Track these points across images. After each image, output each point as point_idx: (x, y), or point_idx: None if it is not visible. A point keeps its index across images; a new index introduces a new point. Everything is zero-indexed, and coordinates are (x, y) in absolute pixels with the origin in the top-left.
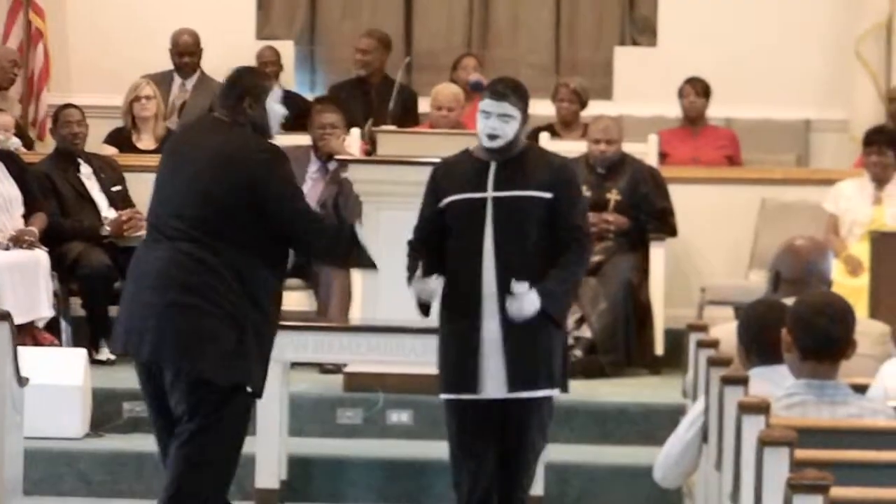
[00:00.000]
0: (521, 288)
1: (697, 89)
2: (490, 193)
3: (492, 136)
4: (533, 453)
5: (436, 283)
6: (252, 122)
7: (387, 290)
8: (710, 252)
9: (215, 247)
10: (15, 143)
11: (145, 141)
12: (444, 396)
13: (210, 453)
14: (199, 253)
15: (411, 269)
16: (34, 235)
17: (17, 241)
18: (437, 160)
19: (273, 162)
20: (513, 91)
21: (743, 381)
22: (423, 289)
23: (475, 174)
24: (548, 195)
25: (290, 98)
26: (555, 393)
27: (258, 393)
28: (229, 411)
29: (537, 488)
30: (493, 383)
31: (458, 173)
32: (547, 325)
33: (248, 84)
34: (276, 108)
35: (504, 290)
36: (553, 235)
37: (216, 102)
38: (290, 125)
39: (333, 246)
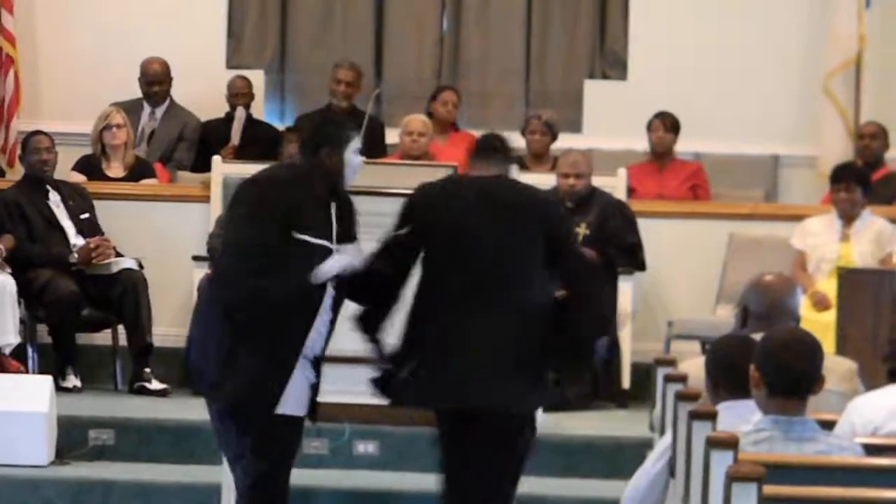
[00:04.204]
0: None
1: (666, 124)
2: None
3: None
4: None
5: None
6: (328, 171)
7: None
8: (678, 287)
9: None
10: None
11: (115, 169)
12: None
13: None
14: None
15: None
16: (0, 253)
17: None
18: (406, 190)
19: (242, 187)
20: None
21: (711, 417)
22: None
23: None
24: None
25: (259, 127)
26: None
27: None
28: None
29: None
30: None
31: None
32: None
33: (327, 133)
34: (353, 160)
35: None
36: None
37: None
38: (262, 155)
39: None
